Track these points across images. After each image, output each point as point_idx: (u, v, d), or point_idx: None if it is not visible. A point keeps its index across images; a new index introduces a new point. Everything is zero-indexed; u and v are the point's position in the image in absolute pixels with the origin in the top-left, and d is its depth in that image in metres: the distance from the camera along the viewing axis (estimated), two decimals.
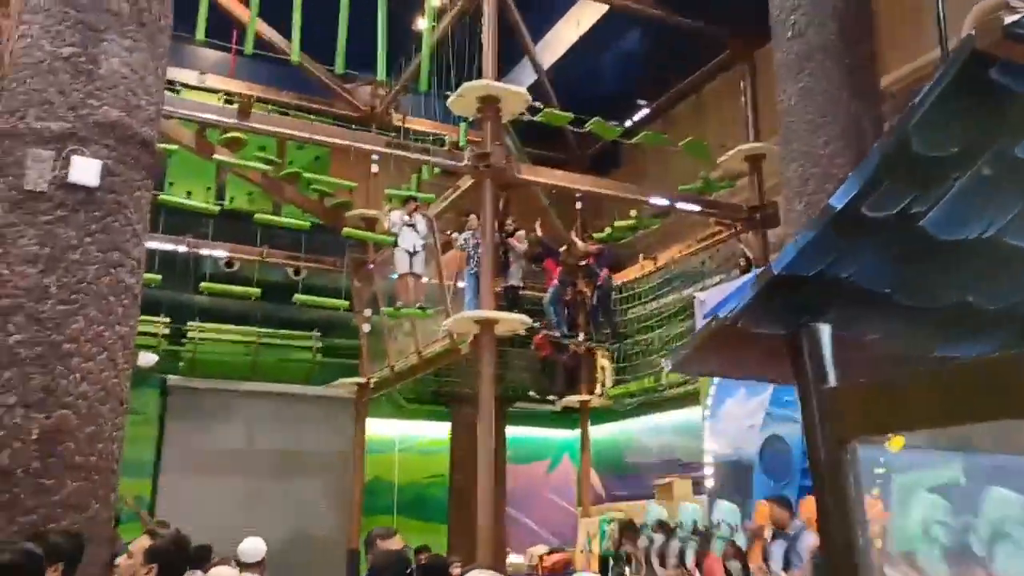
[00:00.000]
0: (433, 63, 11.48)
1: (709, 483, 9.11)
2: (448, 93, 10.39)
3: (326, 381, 13.71)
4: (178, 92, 11.42)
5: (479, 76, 10.26)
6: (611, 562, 8.70)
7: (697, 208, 12.13)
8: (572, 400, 13.87)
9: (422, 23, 12.39)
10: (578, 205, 13.52)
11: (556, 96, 13.13)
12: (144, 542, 3.29)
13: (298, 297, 12.64)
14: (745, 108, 12.53)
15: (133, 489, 12.11)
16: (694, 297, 11.08)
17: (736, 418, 8.61)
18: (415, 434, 15.48)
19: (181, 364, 13.69)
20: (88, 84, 5.08)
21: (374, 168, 12.29)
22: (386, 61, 11.29)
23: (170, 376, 13.65)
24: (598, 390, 13.84)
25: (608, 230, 13.67)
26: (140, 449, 12.59)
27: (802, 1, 7.26)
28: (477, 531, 8.99)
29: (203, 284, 12.41)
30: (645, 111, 15.16)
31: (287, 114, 12.84)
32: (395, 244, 11.41)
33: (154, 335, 12.94)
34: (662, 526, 7.55)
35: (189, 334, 13.63)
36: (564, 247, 13.32)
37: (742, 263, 11.70)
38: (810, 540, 5.85)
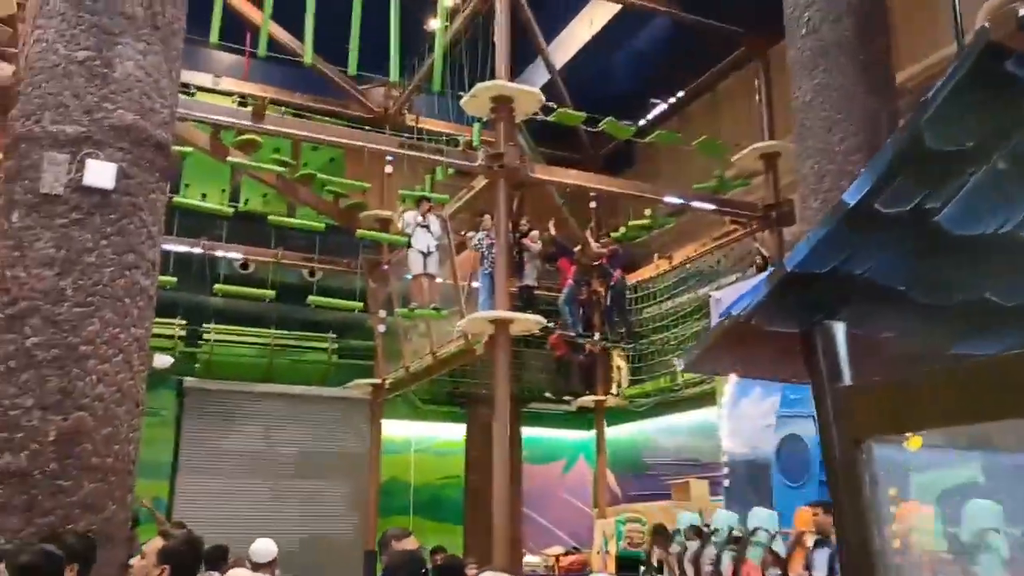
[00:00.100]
0: (446, 64, 11.48)
1: (726, 483, 9.08)
2: (461, 93, 10.39)
3: (342, 382, 13.74)
4: (193, 95, 11.48)
5: (492, 76, 10.26)
6: (642, 568, 8.58)
7: (712, 207, 12.08)
8: (587, 400, 13.85)
9: (435, 24, 12.40)
10: (592, 204, 13.50)
11: (569, 96, 13.11)
12: (157, 543, 3.30)
13: (312, 298, 12.68)
14: (759, 106, 12.47)
15: (151, 490, 12.18)
16: (709, 296, 11.04)
17: (752, 417, 8.57)
18: (430, 435, 15.49)
19: (197, 366, 13.77)
20: (103, 87, 5.11)
21: (388, 169, 12.32)
22: (399, 62, 11.31)
23: (186, 378, 13.72)
24: (614, 390, 13.81)
25: (623, 229, 13.64)
26: (157, 450, 12.66)
27: None
28: (493, 532, 8.99)
29: (217, 286, 12.47)
30: (659, 110, 15.11)
31: (301, 116, 12.88)
32: (409, 245, 11.43)
33: (170, 337, 13.02)
34: (696, 532, 7.34)
35: (205, 336, 13.70)
36: (578, 247, 13.30)
37: (758, 261, 11.65)
38: None
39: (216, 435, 13.86)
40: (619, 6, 13.20)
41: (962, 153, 1.03)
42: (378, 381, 13.29)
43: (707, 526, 7.17)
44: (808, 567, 6.13)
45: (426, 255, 11.33)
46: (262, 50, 10.80)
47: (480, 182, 10.81)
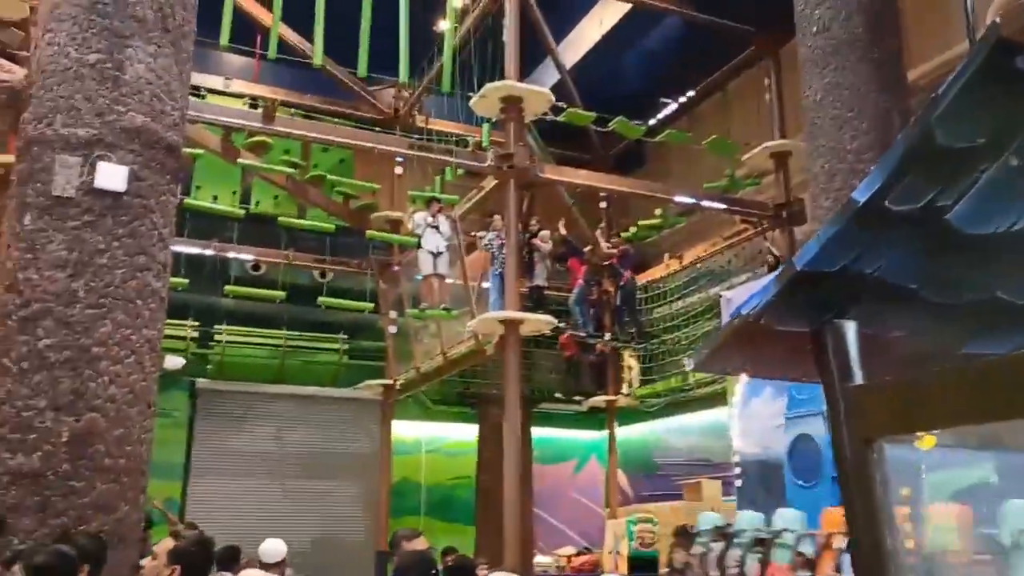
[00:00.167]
0: (455, 64, 11.49)
1: (738, 483, 9.04)
2: (471, 94, 10.39)
3: (352, 383, 13.77)
4: (203, 97, 11.52)
5: (502, 77, 10.26)
6: (664, 571, 8.49)
7: (722, 206, 12.04)
8: (598, 400, 13.83)
9: (444, 25, 12.41)
10: (602, 204, 13.47)
11: (579, 95, 13.09)
12: (168, 543, 3.32)
13: (323, 299, 12.71)
14: (770, 105, 12.43)
15: (163, 491, 12.23)
16: (720, 296, 11.01)
17: (763, 417, 8.54)
18: (441, 435, 15.51)
19: (209, 367, 13.82)
20: (114, 90, 5.14)
21: (398, 170, 12.34)
22: (408, 63, 11.31)
23: (198, 379, 13.77)
24: (625, 390, 13.79)
25: (633, 229, 13.62)
26: (170, 452, 12.70)
27: None
28: (504, 532, 8.98)
29: (228, 287, 12.52)
30: (669, 110, 15.08)
31: (311, 117, 12.91)
32: (418, 246, 11.45)
33: (182, 338, 13.08)
34: (720, 533, 7.21)
35: (217, 337, 13.75)
36: (589, 247, 13.28)
37: (770, 260, 11.61)
38: None
39: (228, 436, 13.90)
40: (629, 5, 13.17)
41: (973, 150, 1.02)
42: (389, 382, 13.31)
43: (728, 527, 7.06)
44: (838, 569, 6.03)
45: (436, 256, 11.35)
46: (272, 52, 10.82)
47: (490, 182, 10.80)
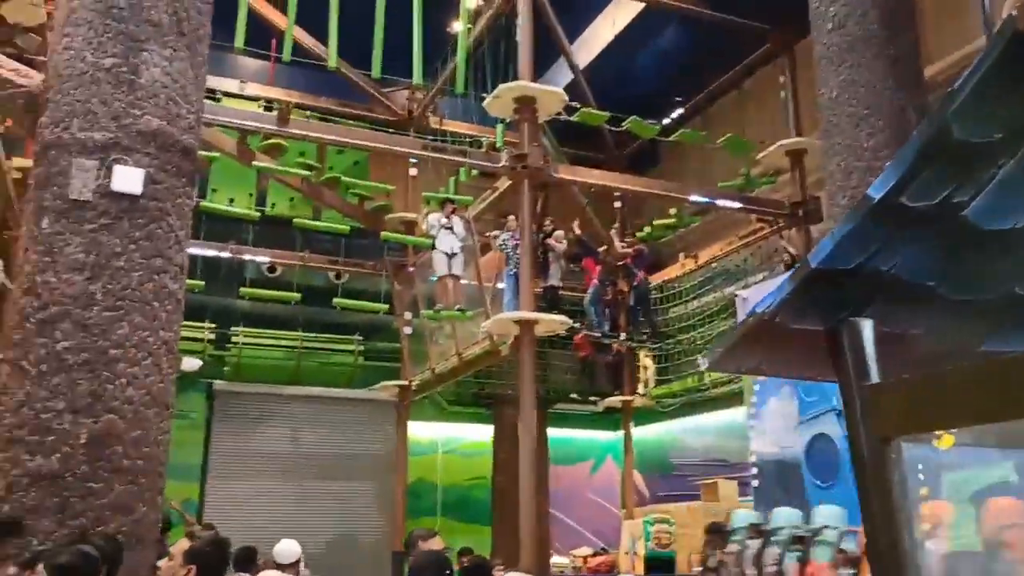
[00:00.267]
0: (469, 65, 11.49)
1: (755, 483, 9.00)
2: (484, 95, 10.40)
3: (368, 384, 13.80)
4: (219, 100, 11.58)
5: (515, 77, 10.26)
6: (697, 570, 8.40)
7: (738, 205, 11.99)
8: (614, 401, 13.80)
9: (458, 26, 12.42)
10: (616, 204, 13.45)
11: (593, 95, 13.07)
12: (184, 544, 3.34)
13: (338, 301, 12.75)
14: (785, 103, 12.37)
15: (182, 493, 12.31)
16: (736, 295, 10.96)
17: (779, 417, 8.49)
18: (457, 436, 15.52)
19: (226, 369, 13.89)
20: (130, 94, 5.17)
21: (412, 171, 12.36)
22: (422, 65, 11.33)
23: (215, 381, 13.84)
24: (640, 390, 13.75)
25: (648, 229, 13.58)
26: (188, 453, 12.78)
27: None
28: (520, 533, 8.97)
29: (243, 289, 12.58)
30: (683, 109, 15.03)
31: (326, 120, 12.96)
32: (432, 247, 11.47)
33: (199, 340, 13.15)
34: (758, 531, 7.05)
35: (233, 339, 13.81)
36: (603, 247, 13.26)
37: (786, 259, 11.55)
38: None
39: (245, 437, 13.97)
40: (642, 5, 13.15)
41: (991, 145, 1.00)
42: (405, 383, 13.33)
43: (764, 524, 6.92)
44: None
45: (450, 256, 11.36)
46: (286, 54, 10.86)
47: (504, 183, 10.81)
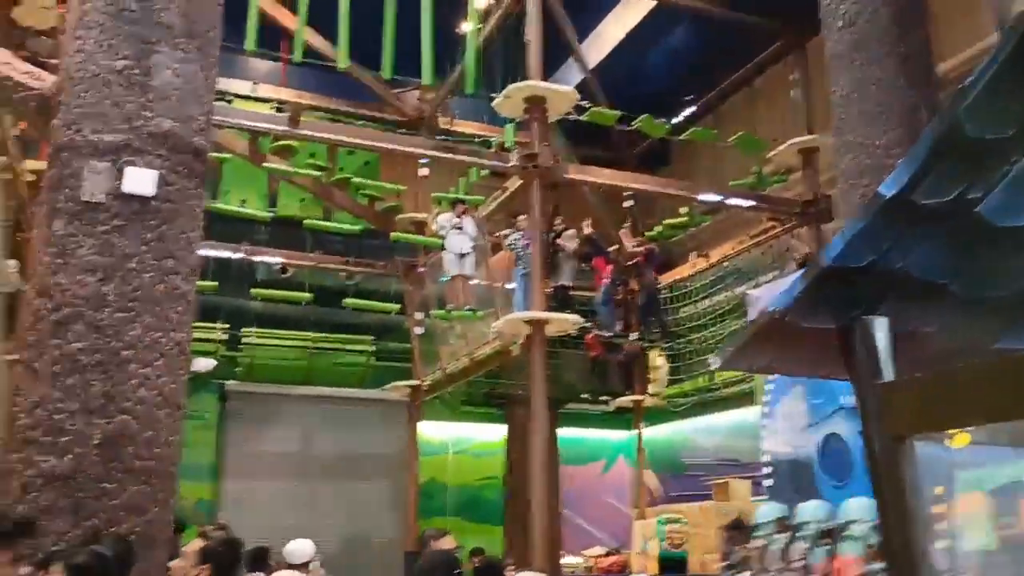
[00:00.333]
0: (479, 65, 11.49)
1: (770, 482, 8.96)
2: (495, 95, 10.40)
3: (380, 384, 13.83)
4: (230, 102, 11.62)
5: (526, 77, 10.25)
6: (722, 565, 8.34)
7: (749, 203, 11.94)
8: (625, 401, 13.78)
9: (467, 26, 12.42)
10: (626, 204, 13.43)
11: (604, 94, 13.05)
12: (197, 544, 3.35)
13: (349, 301, 12.78)
14: (797, 101, 12.32)
15: (195, 493, 12.38)
16: (746, 294, 10.93)
17: (792, 416, 8.45)
18: (469, 436, 15.53)
19: (238, 369, 13.93)
20: (141, 96, 5.19)
21: (422, 172, 12.37)
22: (432, 65, 11.33)
23: (228, 381, 13.89)
24: (651, 390, 13.72)
25: (659, 228, 13.55)
26: (201, 453, 12.83)
27: None
28: (532, 533, 8.96)
29: (254, 290, 12.62)
30: (694, 107, 14.99)
31: (337, 120, 12.98)
32: (442, 247, 11.48)
33: (212, 341, 13.20)
34: (785, 525, 6.96)
35: (245, 339, 13.86)
36: (614, 246, 13.24)
37: (796, 257, 11.51)
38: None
39: (257, 438, 14.02)
40: (653, 3, 13.11)
41: (1003, 141, 0.99)
42: (416, 383, 13.35)
43: (789, 519, 6.81)
44: None
45: (461, 256, 11.37)
46: (298, 55, 10.89)
47: (514, 183, 10.80)
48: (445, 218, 11.60)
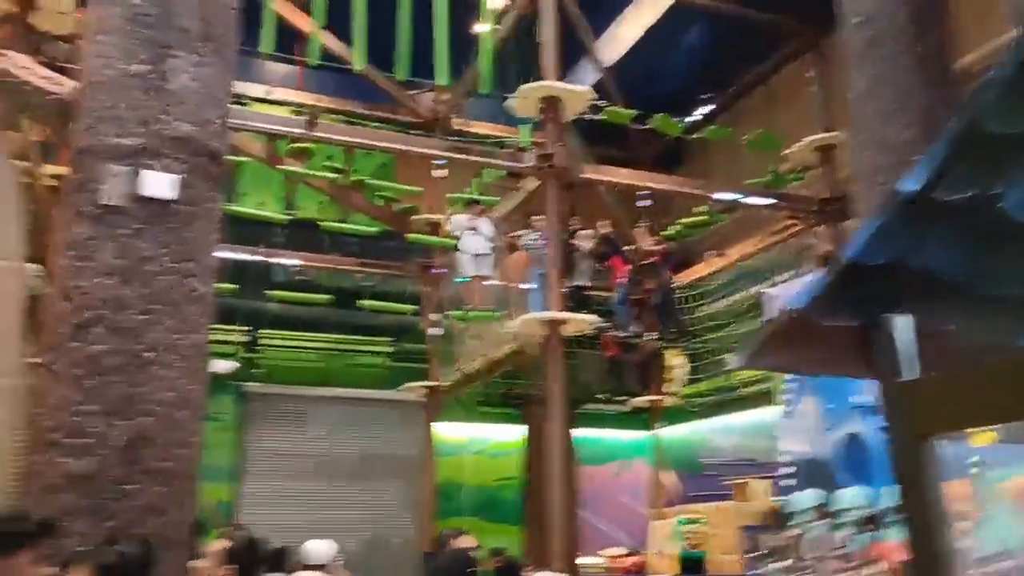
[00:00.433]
0: (494, 66, 11.50)
1: (791, 482, 8.91)
2: (508, 95, 10.41)
3: (397, 385, 13.86)
4: (246, 105, 11.69)
5: (541, 77, 10.25)
6: (758, 552, 8.28)
7: (766, 202, 11.88)
8: (642, 401, 13.74)
9: (482, 27, 12.43)
10: (643, 203, 13.39)
11: (620, 93, 13.02)
12: (219, 545, 3.37)
13: (365, 303, 12.82)
14: (814, 99, 12.25)
15: (215, 494, 12.44)
16: (763, 293, 10.88)
17: (811, 416, 8.42)
18: (486, 437, 15.53)
19: (257, 371, 14.00)
20: (159, 100, 5.23)
21: (438, 173, 12.39)
22: (447, 66, 11.35)
23: (247, 383, 13.96)
24: (668, 389, 13.68)
25: (675, 228, 13.52)
26: (221, 455, 12.90)
27: None
28: (550, 533, 8.96)
29: (270, 292, 12.68)
30: (711, 106, 14.94)
31: (353, 123, 13.02)
32: (455, 248, 11.50)
33: (231, 343, 13.27)
34: (824, 512, 6.83)
35: (262, 341, 13.92)
36: (631, 246, 13.21)
37: (816, 256, 11.44)
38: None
39: (277, 439, 14.08)
40: (669, 2, 13.08)
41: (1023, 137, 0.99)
42: (433, 384, 13.37)
43: (826, 505, 6.73)
44: None
45: (477, 257, 11.38)
46: (313, 57, 10.94)
47: (530, 183, 10.80)
48: (460, 219, 11.61)
